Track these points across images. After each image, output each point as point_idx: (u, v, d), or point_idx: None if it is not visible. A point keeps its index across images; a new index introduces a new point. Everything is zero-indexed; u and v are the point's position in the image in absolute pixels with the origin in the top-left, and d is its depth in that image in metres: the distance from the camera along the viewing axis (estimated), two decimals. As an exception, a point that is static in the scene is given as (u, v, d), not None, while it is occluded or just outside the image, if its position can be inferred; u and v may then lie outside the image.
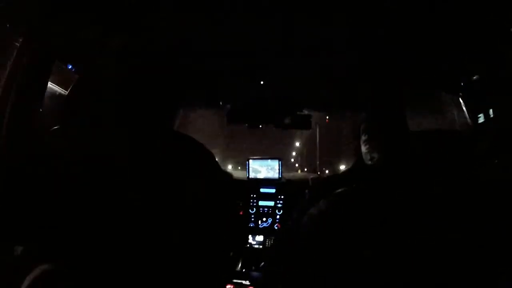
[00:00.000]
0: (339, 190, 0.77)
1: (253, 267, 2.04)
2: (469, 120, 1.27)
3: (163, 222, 0.78)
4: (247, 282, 1.80)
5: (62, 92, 1.19)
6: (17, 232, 0.77)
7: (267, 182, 2.45)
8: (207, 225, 0.84)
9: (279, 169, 2.45)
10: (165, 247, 0.77)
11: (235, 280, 1.82)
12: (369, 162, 0.83)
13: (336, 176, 1.90)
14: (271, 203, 2.38)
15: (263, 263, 2.04)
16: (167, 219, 0.79)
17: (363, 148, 0.85)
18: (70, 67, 1.25)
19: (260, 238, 2.31)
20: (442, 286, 0.64)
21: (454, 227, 0.64)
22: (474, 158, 0.96)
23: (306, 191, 1.88)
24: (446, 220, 0.64)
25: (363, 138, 0.84)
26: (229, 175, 2.50)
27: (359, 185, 0.75)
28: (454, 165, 0.76)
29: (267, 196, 2.40)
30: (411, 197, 0.68)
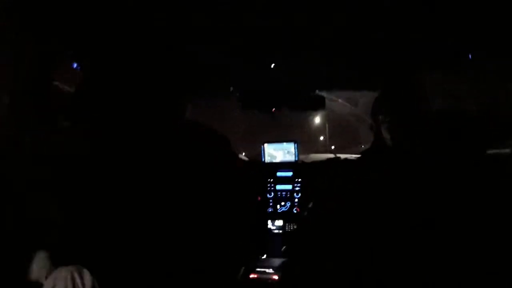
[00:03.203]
0: (358, 175, 0.74)
1: (275, 253, 2.04)
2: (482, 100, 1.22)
3: (178, 212, 0.78)
4: (271, 270, 1.79)
5: (69, 90, 1.19)
6: (35, 235, 0.79)
7: (283, 165, 2.40)
8: (225, 213, 0.83)
9: (295, 152, 2.41)
10: (181, 235, 0.77)
11: (258, 269, 1.81)
12: (388, 143, 0.80)
13: (354, 158, 1.85)
14: (289, 187, 2.35)
15: (284, 247, 2.04)
16: (181, 208, 0.78)
17: (382, 129, 0.82)
18: (75, 65, 1.24)
19: (279, 222, 2.29)
20: (461, 275, 0.61)
21: (475, 213, 0.61)
22: (491, 140, 0.90)
23: (323, 176, 1.84)
24: (467, 205, 0.61)
25: (381, 118, 0.81)
26: (244, 160, 2.49)
27: (378, 169, 0.72)
28: (473, 146, 0.72)
29: (284, 180, 2.36)
30: (431, 179, 0.65)
